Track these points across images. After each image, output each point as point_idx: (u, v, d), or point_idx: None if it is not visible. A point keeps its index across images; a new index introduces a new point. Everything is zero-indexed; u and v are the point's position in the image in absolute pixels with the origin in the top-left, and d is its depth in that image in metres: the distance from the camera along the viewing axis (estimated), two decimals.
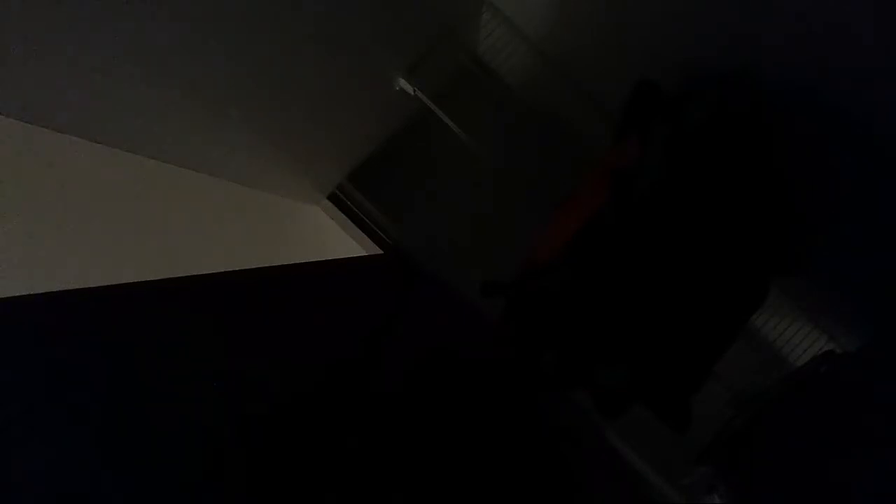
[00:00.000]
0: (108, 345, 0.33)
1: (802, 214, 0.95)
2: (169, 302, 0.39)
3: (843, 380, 0.87)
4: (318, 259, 0.59)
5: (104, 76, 0.56)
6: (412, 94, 1.11)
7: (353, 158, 1.26)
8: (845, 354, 1.10)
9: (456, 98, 1.21)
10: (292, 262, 0.53)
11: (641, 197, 0.79)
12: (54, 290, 0.32)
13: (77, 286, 0.33)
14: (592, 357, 0.82)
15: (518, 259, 0.92)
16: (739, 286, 0.82)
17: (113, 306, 0.35)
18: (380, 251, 1.24)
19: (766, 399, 1.01)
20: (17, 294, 0.30)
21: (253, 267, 0.48)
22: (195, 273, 0.42)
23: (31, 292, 0.31)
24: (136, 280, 0.37)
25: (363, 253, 1.26)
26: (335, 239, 1.29)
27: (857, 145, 0.79)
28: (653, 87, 0.89)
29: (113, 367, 0.32)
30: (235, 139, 0.86)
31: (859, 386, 0.82)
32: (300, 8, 0.72)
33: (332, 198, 1.25)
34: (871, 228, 0.89)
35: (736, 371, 1.10)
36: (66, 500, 0.25)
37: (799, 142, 0.86)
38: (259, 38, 0.69)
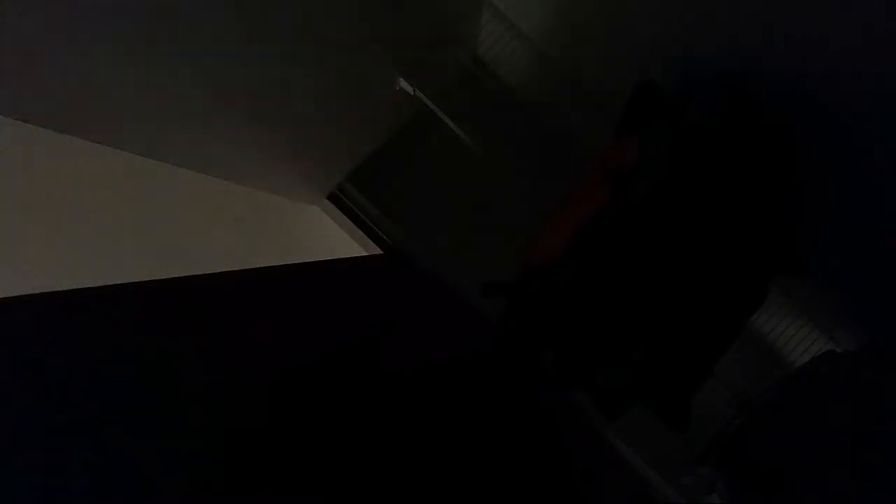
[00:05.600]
0: (108, 345, 0.33)
1: (803, 214, 0.95)
2: (168, 302, 0.39)
3: (843, 380, 0.87)
4: (318, 259, 0.59)
5: (105, 76, 0.56)
6: (412, 94, 1.11)
7: (353, 158, 1.26)
8: (845, 354, 1.10)
9: (456, 98, 1.21)
10: (292, 262, 0.53)
11: (641, 197, 0.79)
12: (54, 290, 0.32)
13: (77, 286, 0.33)
14: (593, 357, 0.82)
15: (518, 259, 0.92)
16: (739, 286, 0.82)
17: (113, 306, 0.35)
18: (380, 251, 1.24)
19: (766, 399, 1.01)
20: (16, 294, 0.30)
21: (253, 267, 0.48)
22: (195, 273, 0.42)
23: (31, 292, 0.30)
24: (136, 280, 0.36)
25: (363, 253, 1.26)
26: (335, 239, 1.29)
27: (858, 146, 0.79)
28: (653, 87, 0.89)
29: (113, 368, 0.32)
30: (235, 139, 0.86)
31: (859, 386, 0.82)
32: (300, 8, 0.72)
33: (332, 198, 1.25)
34: (872, 229, 0.89)
35: (736, 371, 1.10)
36: (66, 500, 0.25)
37: (799, 142, 0.86)
38: (258, 37, 0.69)
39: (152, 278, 0.38)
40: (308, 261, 0.56)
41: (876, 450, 0.69)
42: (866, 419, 0.74)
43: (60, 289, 0.32)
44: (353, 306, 0.57)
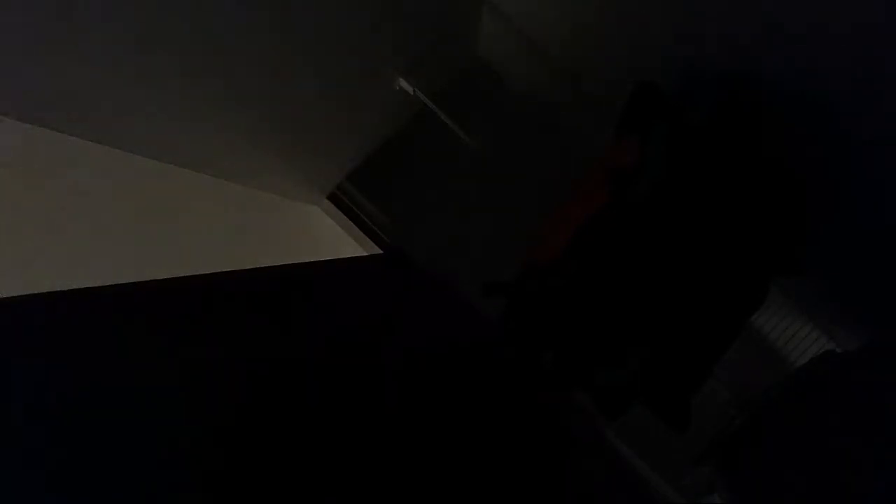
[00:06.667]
0: (108, 345, 0.33)
1: (803, 215, 0.95)
2: (168, 302, 0.39)
3: (843, 380, 0.87)
4: (318, 259, 0.59)
5: (106, 77, 0.56)
6: (412, 93, 1.11)
7: (353, 158, 1.26)
8: (845, 354, 1.10)
9: (456, 98, 1.21)
10: (292, 262, 0.53)
11: (641, 197, 0.79)
12: (54, 290, 0.32)
13: (77, 286, 0.33)
14: (593, 356, 0.82)
15: (518, 258, 0.92)
16: (739, 286, 0.81)
17: (113, 306, 0.35)
18: (380, 251, 1.24)
19: (766, 399, 1.01)
20: (16, 294, 0.30)
21: (253, 267, 0.48)
22: (195, 273, 0.42)
23: (31, 292, 0.31)
24: (136, 280, 0.37)
25: (363, 253, 1.27)
26: (335, 239, 1.29)
27: (858, 147, 0.79)
28: (653, 87, 0.89)
29: (113, 367, 0.32)
30: (236, 140, 0.86)
31: (859, 386, 0.82)
32: (301, 8, 0.72)
33: (332, 198, 1.25)
34: (872, 229, 0.89)
35: (736, 371, 1.10)
36: (68, 497, 0.25)
37: (799, 142, 0.86)
38: (260, 38, 0.69)
39: (152, 278, 0.38)
40: (308, 261, 0.56)
41: (875, 449, 0.69)
42: (866, 419, 0.74)
43: (60, 289, 0.32)
44: (353, 306, 0.57)
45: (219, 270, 0.44)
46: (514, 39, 1.23)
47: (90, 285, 0.34)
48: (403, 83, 1.10)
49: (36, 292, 0.31)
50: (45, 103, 0.56)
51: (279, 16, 0.69)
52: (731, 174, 0.81)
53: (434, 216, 1.33)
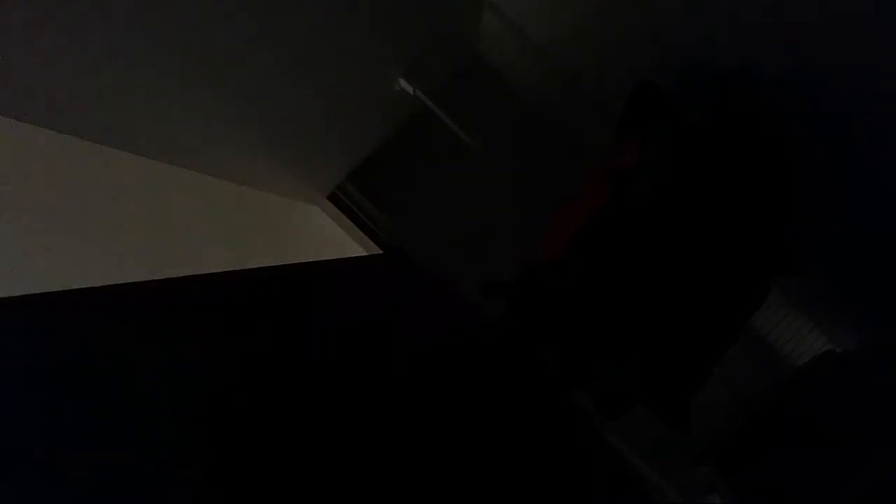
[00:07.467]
0: (108, 345, 0.33)
1: (803, 215, 0.95)
2: (168, 302, 0.39)
3: (843, 380, 0.87)
4: (318, 259, 0.59)
5: (109, 78, 0.56)
6: (412, 94, 1.11)
7: (353, 158, 1.26)
8: (845, 354, 1.10)
9: (456, 98, 1.21)
10: (292, 262, 0.53)
11: (641, 196, 0.79)
12: (54, 290, 0.32)
13: (77, 286, 0.33)
14: (593, 356, 0.82)
15: (518, 258, 0.92)
16: (739, 286, 0.82)
17: (112, 306, 0.35)
18: (380, 251, 1.24)
19: (766, 399, 1.01)
20: (16, 294, 0.30)
21: (253, 267, 0.48)
22: (195, 273, 0.42)
23: (31, 292, 0.31)
24: (136, 280, 0.37)
25: (363, 253, 1.27)
26: (335, 239, 1.29)
27: (859, 146, 0.79)
28: (653, 87, 0.89)
29: (113, 368, 0.32)
30: (236, 140, 0.86)
31: (859, 386, 0.82)
32: (301, 9, 0.72)
33: (332, 198, 1.25)
34: (872, 229, 0.89)
35: (736, 371, 1.10)
36: (65, 497, 0.25)
37: (800, 142, 0.86)
38: (260, 39, 0.69)
39: (152, 278, 0.38)
40: (308, 261, 0.56)
41: (875, 449, 0.69)
42: (866, 419, 0.74)
43: (61, 289, 0.32)
44: (353, 306, 0.57)
45: (219, 270, 0.44)
46: (514, 39, 1.23)
47: (91, 285, 0.34)
48: (403, 83, 1.10)
49: (36, 292, 0.31)
50: (46, 103, 0.56)
51: (279, 16, 0.69)
52: (730, 174, 0.81)
53: (434, 216, 1.33)
